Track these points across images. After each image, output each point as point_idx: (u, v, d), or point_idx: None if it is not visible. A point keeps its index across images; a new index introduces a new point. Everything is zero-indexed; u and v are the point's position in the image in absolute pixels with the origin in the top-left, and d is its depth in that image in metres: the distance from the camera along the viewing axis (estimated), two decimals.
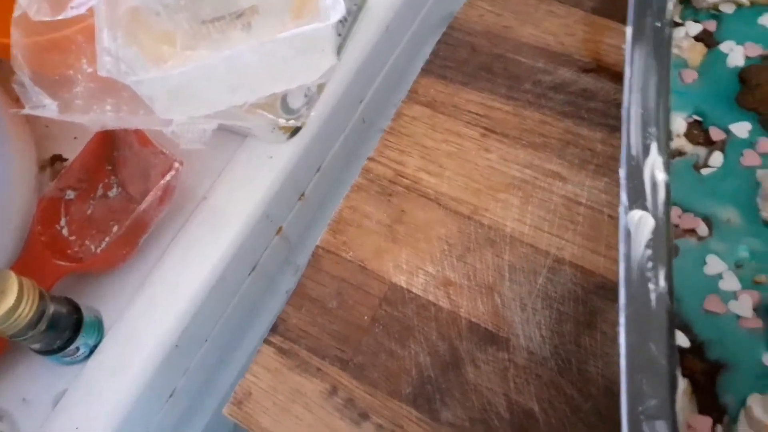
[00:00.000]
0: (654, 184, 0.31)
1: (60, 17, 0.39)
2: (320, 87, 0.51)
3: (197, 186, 0.49)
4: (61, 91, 0.41)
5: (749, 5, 0.42)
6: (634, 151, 0.32)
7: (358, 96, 0.56)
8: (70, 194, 0.49)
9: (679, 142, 0.39)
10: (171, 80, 0.38)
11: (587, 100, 0.46)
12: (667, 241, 0.30)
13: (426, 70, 0.50)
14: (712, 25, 0.42)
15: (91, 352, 0.44)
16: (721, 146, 0.39)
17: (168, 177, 0.45)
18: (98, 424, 0.42)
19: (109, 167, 0.50)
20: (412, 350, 0.40)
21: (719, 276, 0.35)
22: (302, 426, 0.39)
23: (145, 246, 0.47)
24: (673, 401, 0.27)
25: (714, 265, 0.35)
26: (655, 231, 0.30)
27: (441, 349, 0.40)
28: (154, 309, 0.45)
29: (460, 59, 0.49)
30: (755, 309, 0.33)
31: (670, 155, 0.39)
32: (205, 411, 0.53)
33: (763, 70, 0.40)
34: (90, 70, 0.41)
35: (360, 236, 0.44)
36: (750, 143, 0.38)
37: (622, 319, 0.28)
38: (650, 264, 0.29)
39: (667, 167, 0.32)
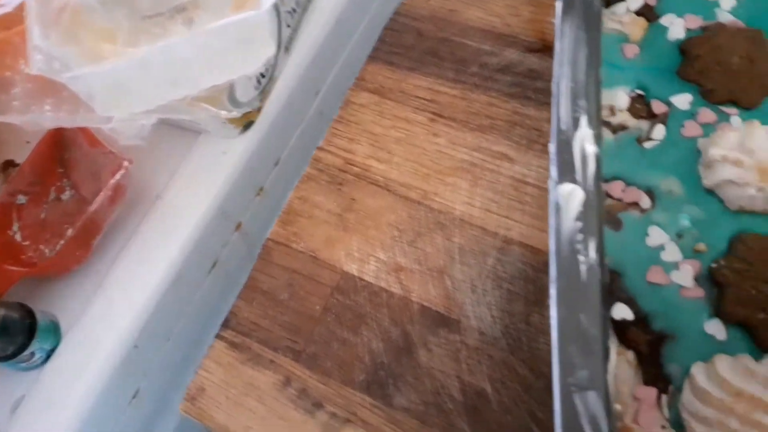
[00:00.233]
0: (584, 157, 0.31)
1: None
2: (272, 79, 0.51)
3: (151, 185, 0.49)
4: None
5: None
6: (563, 125, 0.31)
7: (314, 88, 0.56)
8: (22, 199, 0.48)
9: (622, 117, 0.39)
10: (107, 76, 0.38)
11: (533, 80, 0.46)
12: (598, 214, 0.30)
13: (373, 57, 0.50)
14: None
15: (48, 356, 0.44)
16: (663, 119, 0.38)
17: (117, 176, 0.44)
18: (59, 429, 0.42)
19: (61, 169, 0.50)
20: (364, 337, 0.40)
21: (661, 247, 0.34)
22: (256, 419, 0.39)
23: (100, 247, 0.47)
24: (605, 372, 0.27)
25: (656, 236, 0.35)
26: (585, 203, 0.30)
27: (393, 334, 0.40)
28: (111, 310, 0.45)
29: (407, 45, 0.49)
30: (696, 278, 0.33)
31: (613, 130, 0.39)
32: (175, 411, 0.52)
33: (703, 41, 0.40)
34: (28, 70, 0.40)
35: (310, 227, 0.44)
36: (691, 114, 0.38)
37: (552, 292, 0.28)
38: (580, 236, 0.29)
39: (598, 140, 0.32)
